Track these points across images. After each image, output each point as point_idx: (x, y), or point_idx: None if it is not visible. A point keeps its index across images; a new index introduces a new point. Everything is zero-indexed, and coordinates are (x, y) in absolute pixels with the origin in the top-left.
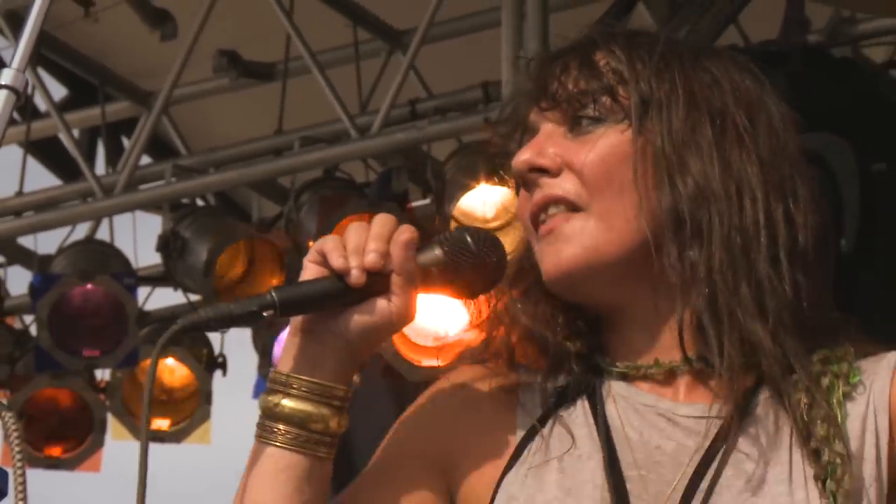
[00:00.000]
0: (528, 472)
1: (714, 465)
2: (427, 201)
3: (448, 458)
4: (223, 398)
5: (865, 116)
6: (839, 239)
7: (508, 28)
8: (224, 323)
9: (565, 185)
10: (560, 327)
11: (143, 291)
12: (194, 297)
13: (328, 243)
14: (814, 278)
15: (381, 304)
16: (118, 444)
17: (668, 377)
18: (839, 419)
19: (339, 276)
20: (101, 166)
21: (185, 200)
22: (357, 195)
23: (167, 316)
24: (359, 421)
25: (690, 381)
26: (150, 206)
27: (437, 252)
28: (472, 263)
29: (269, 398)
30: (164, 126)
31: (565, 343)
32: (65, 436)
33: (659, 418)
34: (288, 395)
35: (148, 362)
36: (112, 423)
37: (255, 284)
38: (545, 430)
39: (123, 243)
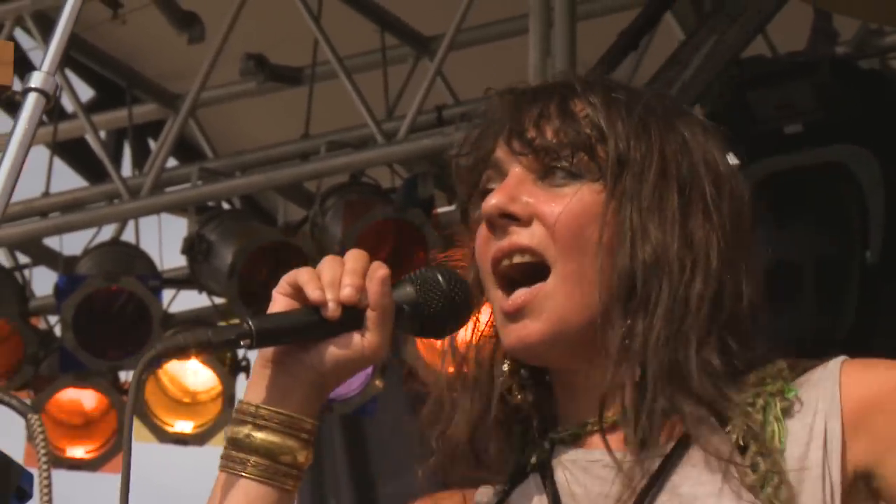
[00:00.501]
0: None
1: (649, 495)
2: (452, 208)
3: None
4: None
5: (892, 128)
6: (864, 250)
7: (536, 35)
8: (202, 349)
9: (534, 237)
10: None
11: (167, 294)
12: (219, 300)
13: (303, 275)
14: (748, 340)
15: (354, 338)
16: (141, 446)
17: (613, 428)
18: (777, 434)
19: (314, 308)
20: (127, 168)
21: (210, 203)
22: (382, 201)
23: (192, 318)
24: (376, 427)
25: (639, 430)
26: (176, 208)
27: (409, 290)
28: (442, 302)
29: (238, 429)
30: (190, 129)
31: (513, 396)
32: (88, 437)
33: (605, 469)
34: (257, 426)
35: (171, 363)
36: (135, 424)
37: None
38: None
39: (149, 245)
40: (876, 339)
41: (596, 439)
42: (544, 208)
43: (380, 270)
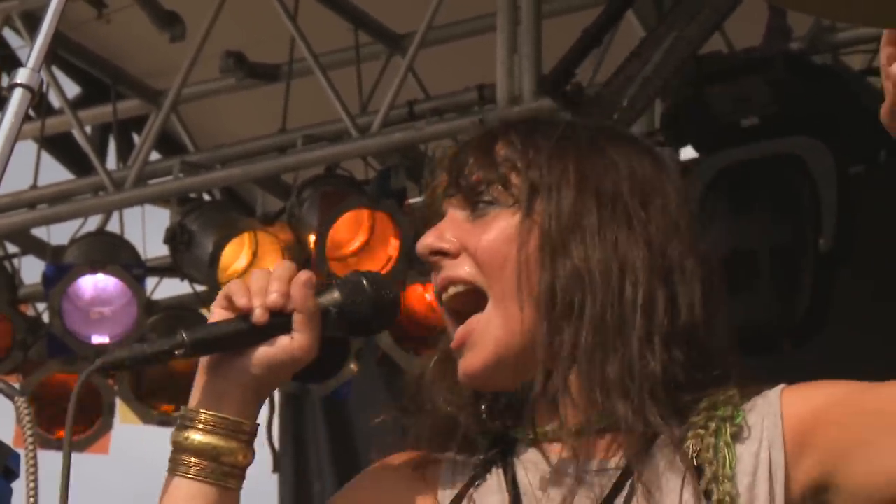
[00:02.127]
0: None
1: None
2: (424, 198)
3: None
4: None
5: (844, 121)
6: (818, 238)
7: (503, 33)
8: (139, 362)
9: (464, 267)
10: (474, 410)
11: (151, 281)
12: (200, 288)
13: (233, 286)
14: (697, 347)
15: (283, 340)
16: (126, 428)
17: (574, 436)
18: (728, 460)
19: (244, 316)
20: (112, 161)
21: (192, 195)
22: (357, 192)
23: (174, 305)
24: (358, 409)
25: (595, 439)
26: (159, 200)
27: (336, 294)
28: (368, 303)
29: (181, 433)
30: (172, 124)
31: (480, 424)
32: (75, 419)
33: (565, 477)
34: (197, 429)
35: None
36: (120, 407)
37: None
38: (467, 498)
39: (133, 235)
40: (829, 324)
41: (556, 446)
42: (468, 239)
43: (303, 276)
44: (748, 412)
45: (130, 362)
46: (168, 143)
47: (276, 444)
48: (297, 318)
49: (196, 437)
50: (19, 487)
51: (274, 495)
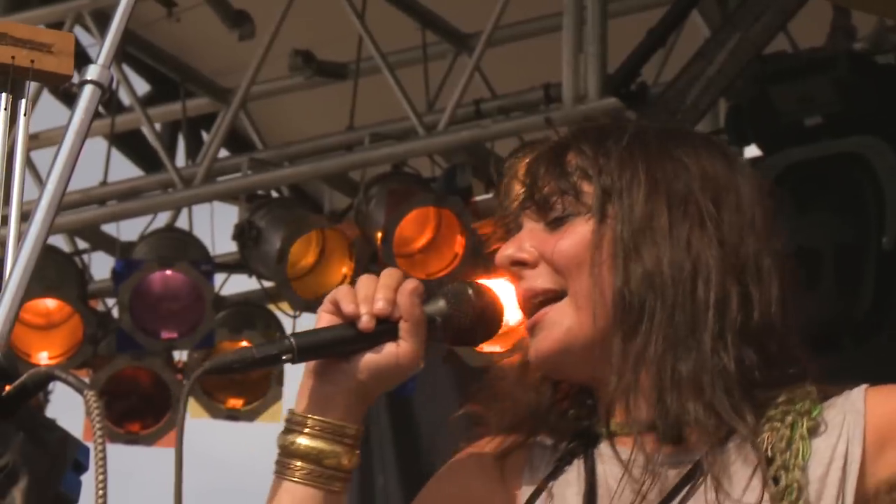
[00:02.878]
0: None
1: (678, 500)
2: (490, 196)
3: None
4: (294, 379)
5: None
6: (881, 236)
7: (569, 32)
8: (247, 366)
9: (542, 276)
10: (553, 399)
11: (219, 277)
12: (268, 284)
13: (340, 292)
14: (773, 344)
15: (389, 347)
16: (194, 422)
17: (646, 431)
18: (801, 452)
19: (351, 323)
20: (181, 158)
21: (260, 192)
22: (423, 189)
23: (242, 301)
24: (423, 405)
25: (668, 433)
26: (228, 196)
27: (441, 304)
28: (473, 314)
29: (286, 437)
30: (241, 121)
31: (561, 413)
32: (144, 413)
33: (636, 469)
34: (303, 433)
35: (225, 345)
36: (190, 402)
37: (325, 272)
38: (547, 491)
39: (201, 232)
40: (892, 321)
41: (629, 439)
42: (545, 248)
43: (410, 284)
44: (826, 408)
45: (238, 366)
46: (237, 141)
47: None
48: (403, 326)
49: (301, 441)
50: (88, 481)
51: None
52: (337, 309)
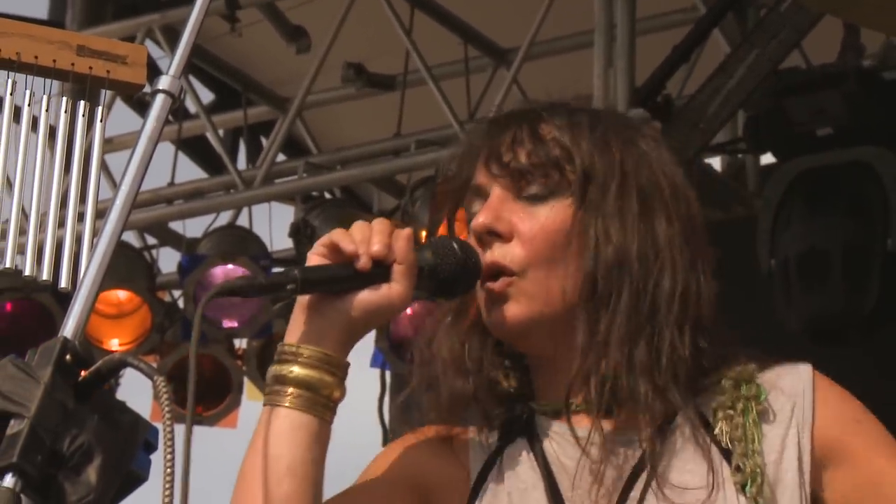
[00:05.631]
0: None
1: (642, 477)
2: None
3: (420, 492)
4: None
5: None
6: (886, 239)
7: (600, 48)
8: (254, 290)
9: (513, 253)
10: (494, 367)
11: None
12: None
13: (337, 235)
14: (715, 338)
15: (382, 287)
16: (252, 404)
17: (600, 410)
18: (755, 438)
19: (348, 263)
20: (242, 162)
21: (314, 193)
22: None
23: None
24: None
25: (619, 412)
26: (284, 197)
27: (428, 254)
28: (455, 266)
29: (281, 367)
30: (297, 128)
31: (500, 382)
32: (206, 396)
33: (590, 446)
34: (297, 363)
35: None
36: (247, 385)
37: None
38: (494, 470)
39: (260, 230)
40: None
41: (582, 417)
42: (522, 227)
43: (405, 231)
44: (771, 389)
45: (246, 289)
46: (293, 146)
47: (387, 422)
48: (397, 269)
49: (297, 369)
50: (157, 459)
51: None
52: (331, 252)
